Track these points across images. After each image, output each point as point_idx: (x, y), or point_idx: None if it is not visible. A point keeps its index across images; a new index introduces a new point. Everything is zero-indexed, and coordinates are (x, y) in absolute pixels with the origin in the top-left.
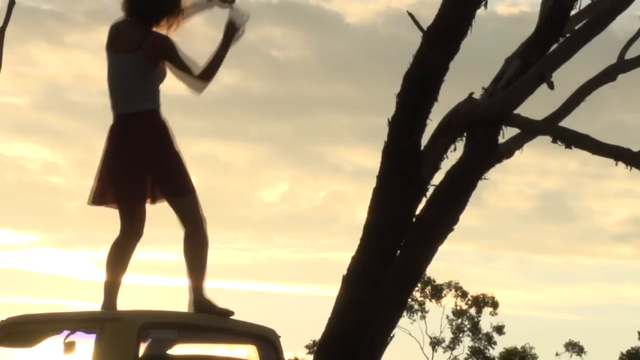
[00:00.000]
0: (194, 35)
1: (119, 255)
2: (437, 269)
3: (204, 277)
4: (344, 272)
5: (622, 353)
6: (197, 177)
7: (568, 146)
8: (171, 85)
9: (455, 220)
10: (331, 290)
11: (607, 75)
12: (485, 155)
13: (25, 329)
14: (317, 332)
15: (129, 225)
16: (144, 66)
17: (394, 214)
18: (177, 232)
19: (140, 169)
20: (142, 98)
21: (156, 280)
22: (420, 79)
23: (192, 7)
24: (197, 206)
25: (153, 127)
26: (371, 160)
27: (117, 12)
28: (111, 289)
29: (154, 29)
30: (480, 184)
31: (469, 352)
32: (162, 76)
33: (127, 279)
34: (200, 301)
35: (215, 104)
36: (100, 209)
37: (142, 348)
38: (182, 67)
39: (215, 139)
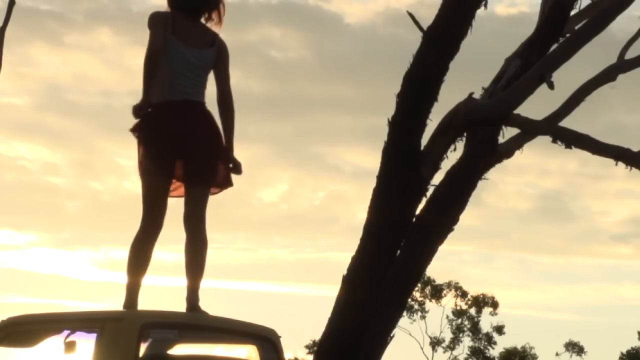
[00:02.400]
0: None
1: (142, 253)
2: (437, 269)
3: (201, 278)
4: (344, 272)
5: (622, 353)
6: None
7: (568, 146)
8: None
9: (455, 220)
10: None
11: (607, 75)
12: (485, 155)
13: (25, 329)
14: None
15: (159, 212)
16: (212, 63)
17: (394, 214)
18: (176, 232)
19: (211, 154)
20: (204, 91)
21: (156, 280)
22: (420, 79)
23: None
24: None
25: (213, 118)
26: (370, 160)
27: (116, 13)
28: (133, 288)
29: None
30: (480, 184)
31: (469, 352)
32: None
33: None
34: (194, 304)
35: (214, 104)
36: (101, 210)
37: (143, 348)
38: (226, 77)
39: None
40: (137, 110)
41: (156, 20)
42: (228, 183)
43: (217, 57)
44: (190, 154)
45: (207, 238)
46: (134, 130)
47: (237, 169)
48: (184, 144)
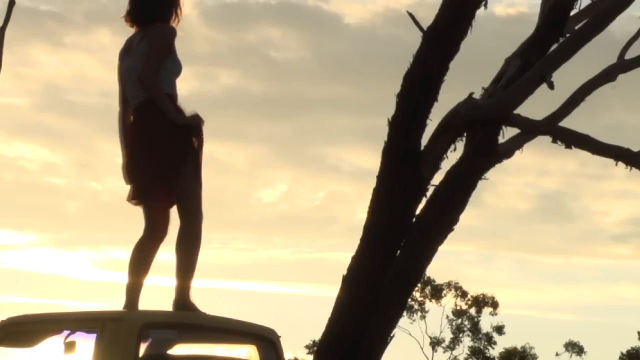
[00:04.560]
0: (192, 36)
1: (143, 256)
2: (437, 269)
3: (192, 276)
4: (344, 272)
5: (622, 353)
6: None
7: (568, 146)
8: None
9: (455, 220)
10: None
11: (607, 75)
12: (485, 155)
13: (25, 329)
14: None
15: (157, 224)
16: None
17: (394, 214)
18: (176, 232)
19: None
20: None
21: (156, 280)
22: (420, 79)
23: None
24: (201, 200)
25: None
26: (370, 160)
27: (116, 13)
28: (134, 289)
29: None
30: (479, 184)
31: (469, 352)
32: (177, 66)
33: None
34: (185, 301)
35: (214, 104)
36: (101, 210)
37: (143, 348)
38: (152, 52)
39: (214, 139)
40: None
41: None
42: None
43: (147, 43)
44: (133, 156)
45: (200, 233)
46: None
47: (195, 119)
48: (133, 149)
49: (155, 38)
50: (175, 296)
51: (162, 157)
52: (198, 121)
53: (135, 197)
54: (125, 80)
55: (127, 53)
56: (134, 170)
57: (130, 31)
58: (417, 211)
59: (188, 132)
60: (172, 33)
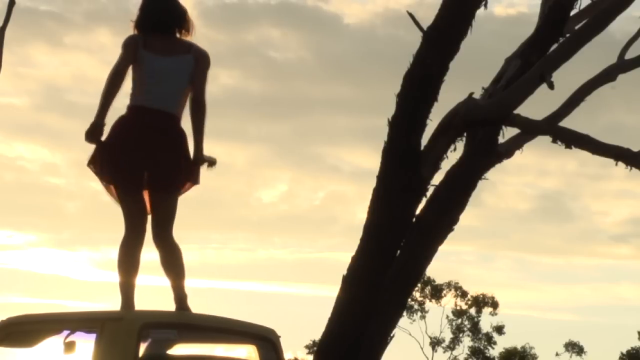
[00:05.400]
0: (192, 36)
1: (130, 255)
2: (437, 269)
3: (184, 278)
4: (344, 272)
5: (622, 353)
6: None
7: (568, 146)
8: None
9: (455, 220)
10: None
11: (607, 75)
12: (485, 155)
13: (25, 329)
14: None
15: (139, 221)
16: (190, 70)
17: (394, 214)
18: (177, 232)
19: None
20: (182, 100)
21: (156, 280)
22: (420, 79)
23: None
24: None
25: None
26: (370, 160)
27: (115, 13)
28: (127, 289)
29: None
30: (479, 184)
31: (469, 352)
32: None
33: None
34: (184, 301)
35: (213, 104)
36: (101, 210)
37: (142, 348)
38: (201, 82)
39: (213, 139)
40: (90, 135)
41: (128, 42)
42: (191, 181)
43: (195, 63)
44: (153, 168)
45: (176, 243)
46: (92, 162)
47: (210, 163)
48: (150, 152)
49: (206, 67)
50: (174, 296)
51: (184, 170)
52: (209, 160)
53: (149, 185)
54: (159, 76)
55: (166, 53)
56: (157, 161)
57: (129, 33)
58: (417, 211)
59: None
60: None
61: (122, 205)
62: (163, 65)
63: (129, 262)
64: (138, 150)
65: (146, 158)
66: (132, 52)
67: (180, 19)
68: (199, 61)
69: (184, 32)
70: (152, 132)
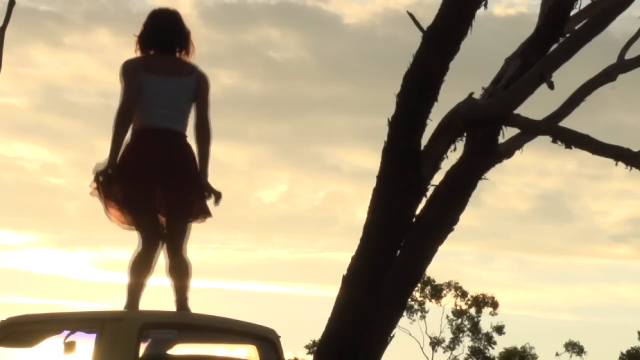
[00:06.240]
0: (192, 36)
1: (145, 262)
2: (437, 269)
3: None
4: (344, 272)
5: (622, 353)
6: None
7: (568, 146)
8: None
9: (455, 220)
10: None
11: (607, 75)
12: (485, 155)
13: (25, 329)
14: (317, 332)
15: (155, 236)
16: (192, 92)
17: (394, 214)
18: None
19: (188, 184)
20: (186, 121)
21: (156, 280)
22: (420, 79)
23: None
24: None
25: (192, 151)
26: (370, 160)
27: (115, 13)
28: (135, 290)
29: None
30: (479, 184)
31: (469, 352)
32: None
33: (127, 280)
34: (185, 304)
35: (213, 104)
36: (101, 210)
37: (142, 348)
38: (205, 104)
39: (213, 139)
40: (102, 176)
41: (127, 70)
42: (205, 213)
43: (196, 85)
44: (168, 183)
45: (186, 257)
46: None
47: (216, 198)
48: (161, 172)
49: (207, 89)
50: (175, 296)
51: (195, 187)
52: (216, 194)
53: (178, 214)
54: (160, 97)
55: (168, 74)
56: (171, 177)
57: (129, 33)
58: (417, 211)
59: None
60: None
61: (137, 226)
62: (169, 87)
63: (143, 266)
64: (151, 171)
65: (161, 175)
66: (134, 80)
67: (184, 40)
68: (201, 83)
69: (184, 54)
70: (163, 150)
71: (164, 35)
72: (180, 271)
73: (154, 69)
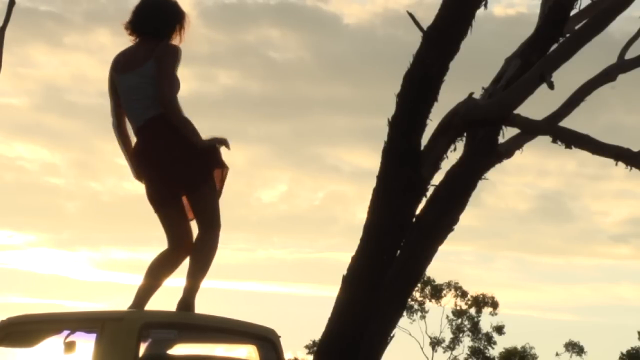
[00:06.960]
0: (191, 36)
1: (165, 266)
2: (437, 269)
3: (201, 280)
4: (344, 272)
5: (622, 353)
6: None
7: (568, 146)
8: None
9: (455, 220)
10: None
11: (607, 75)
12: (485, 155)
13: (25, 329)
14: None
15: (176, 234)
16: (152, 73)
17: (394, 214)
18: None
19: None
20: (153, 99)
21: None
22: (420, 79)
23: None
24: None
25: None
26: (369, 160)
27: (115, 13)
28: (144, 292)
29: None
30: (479, 184)
31: (469, 352)
32: (179, 85)
33: (127, 279)
34: (189, 303)
35: (213, 104)
36: (101, 210)
37: (142, 348)
38: (168, 75)
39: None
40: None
41: (109, 75)
42: (215, 166)
43: (157, 68)
44: (156, 176)
45: (209, 243)
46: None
47: (221, 144)
48: (149, 171)
49: (169, 62)
50: (182, 296)
51: (181, 174)
52: (215, 143)
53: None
54: (127, 96)
55: (129, 68)
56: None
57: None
58: (417, 211)
59: (206, 155)
60: (180, 55)
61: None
62: (132, 82)
63: (162, 270)
64: (146, 173)
65: (154, 174)
66: (111, 86)
67: (163, 23)
68: (159, 63)
69: (168, 38)
70: (145, 151)
71: (137, 18)
72: (193, 257)
73: (121, 67)
